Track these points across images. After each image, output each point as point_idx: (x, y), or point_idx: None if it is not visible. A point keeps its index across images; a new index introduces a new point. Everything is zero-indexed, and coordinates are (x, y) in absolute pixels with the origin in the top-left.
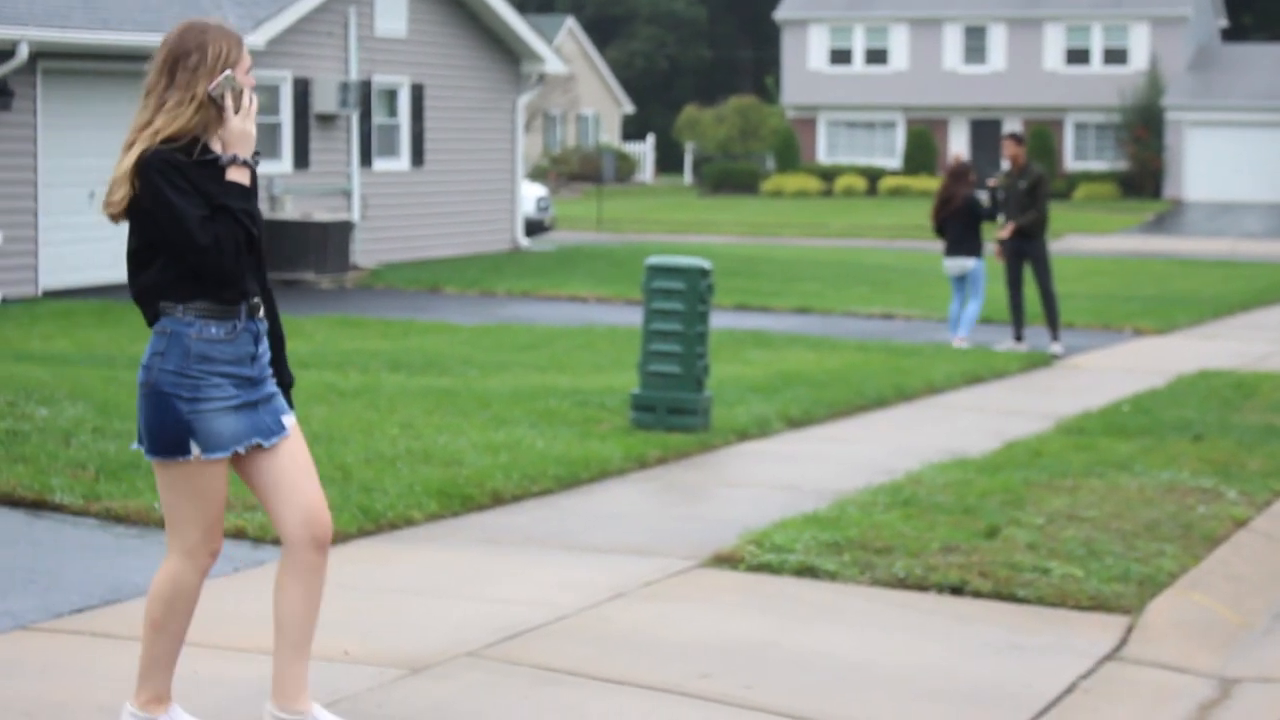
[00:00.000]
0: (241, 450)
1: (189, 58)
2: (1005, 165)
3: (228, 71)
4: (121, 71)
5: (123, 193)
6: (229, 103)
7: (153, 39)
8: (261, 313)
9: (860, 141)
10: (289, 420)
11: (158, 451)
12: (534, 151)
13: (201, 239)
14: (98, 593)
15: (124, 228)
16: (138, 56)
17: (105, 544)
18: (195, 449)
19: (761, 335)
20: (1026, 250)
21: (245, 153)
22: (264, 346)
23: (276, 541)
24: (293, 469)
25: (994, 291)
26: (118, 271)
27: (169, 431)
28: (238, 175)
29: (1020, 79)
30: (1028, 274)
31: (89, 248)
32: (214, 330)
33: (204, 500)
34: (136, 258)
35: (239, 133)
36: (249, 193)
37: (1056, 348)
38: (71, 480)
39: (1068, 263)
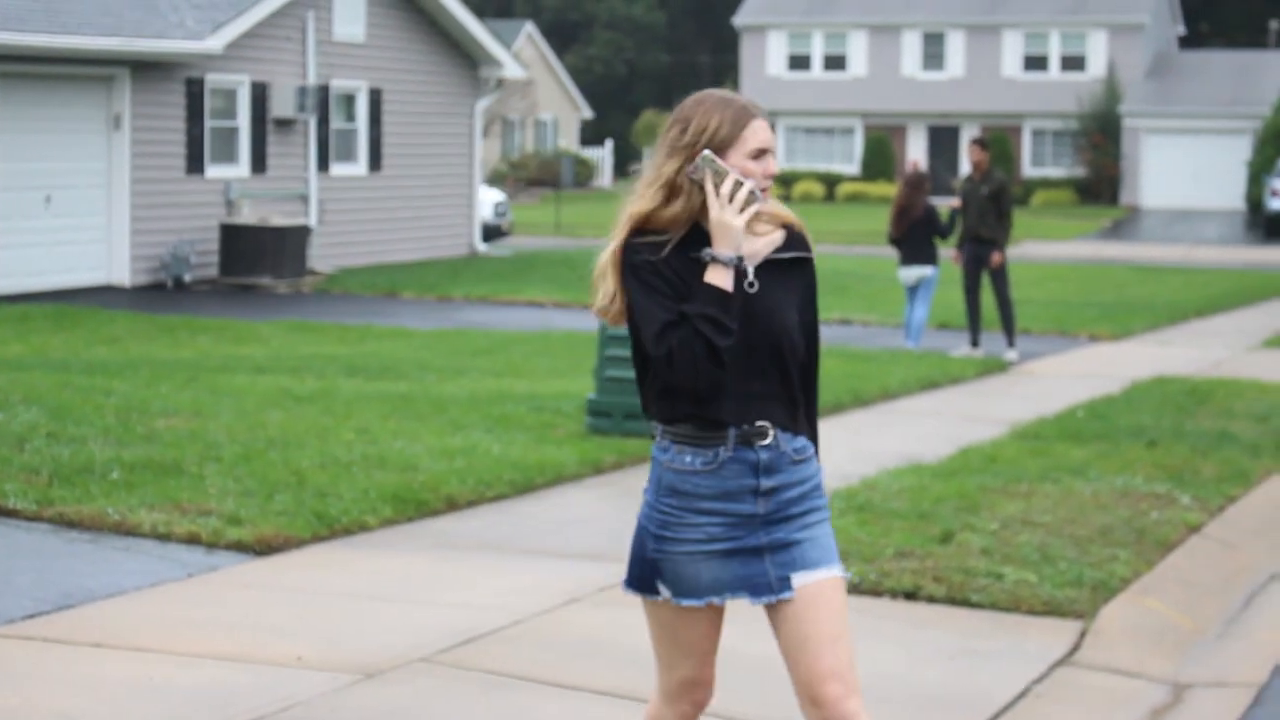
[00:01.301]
0: (719, 602)
1: (671, 130)
2: (966, 170)
3: (706, 151)
4: (80, 75)
5: (603, 289)
6: (709, 188)
7: (111, 43)
8: (772, 439)
9: (819, 147)
10: (805, 580)
11: (629, 582)
12: (492, 156)
13: (655, 349)
14: (50, 598)
15: (80, 229)
16: (96, 60)
17: (58, 549)
18: (664, 590)
19: None
20: (986, 257)
21: (726, 250)
22: (781, 479)
23: (231, 547)
24: (799, 635)
25: (952, 297)
26: (73, 276)
27: (637, 566)
28: (715, 277)
29: (978, 85)
30: (985, 280)
31: (44, 252)
32: (688, 459)
33: (681, 647)
34: (636, 366)
35: (718, 225)
36: (725, 300)
37: (1011, 354)
38: (25, 485)
39: (1025, 269)
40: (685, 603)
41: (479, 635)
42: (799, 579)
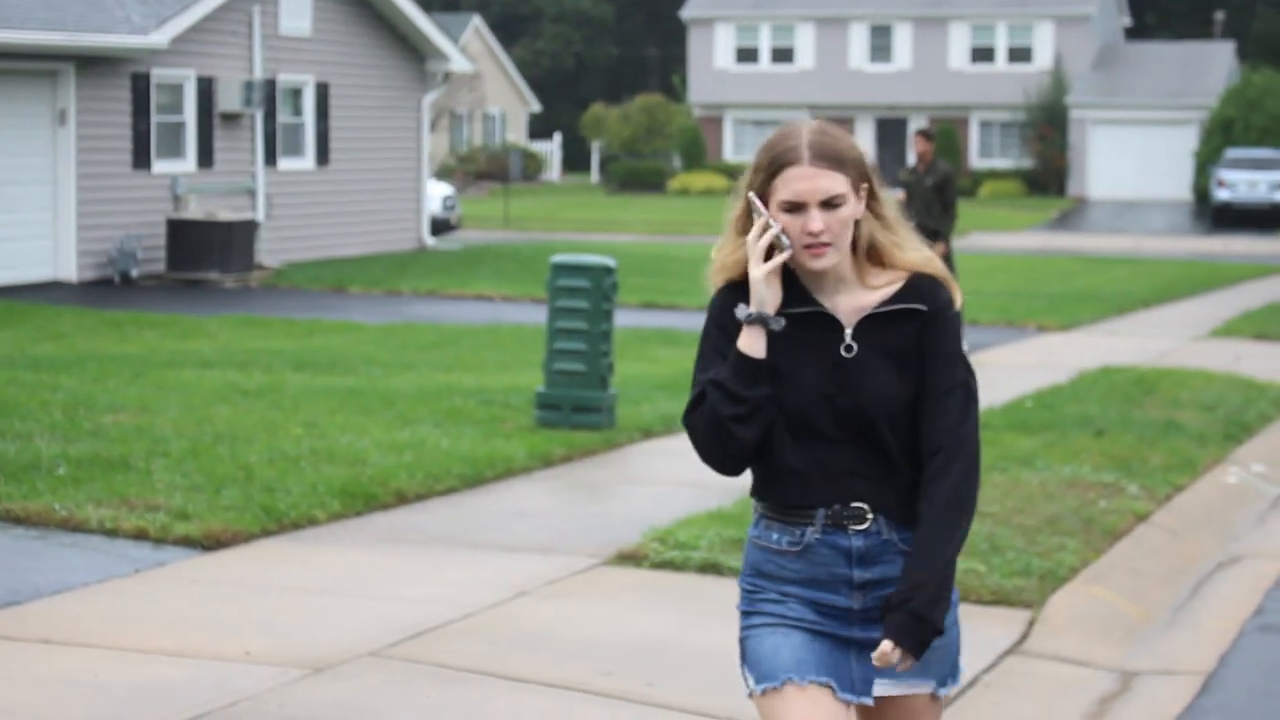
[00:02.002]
0: (801, 683)
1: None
2: (912, 161)
3: (750, 194)
4: (24, 70)
5: None
6: (751, 240)
7: (55, 38)
8: (871, 523)
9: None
10: (888, 690)
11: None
12: (440, 150)
13: (687, 417)
14: None
15: (26, 225)
16: (40, 55)
17: (4, 546)
18: (749, 679)
19: (667, 333)
20: (930, 247)
21: (757, 308)
22: (882, 572)
23: (179, 542)
24: None
25: None
26: (19, 272)
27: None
28: (746, 341)
29: (926, 77)
30: None
31: None
32: (775, 537)
33: None
34: None
35: (751, 281)
36: (741, 364)
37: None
38: None
39: (973, 260)
40: (763, 687)
41: (428, 629)
42: (881, 688)
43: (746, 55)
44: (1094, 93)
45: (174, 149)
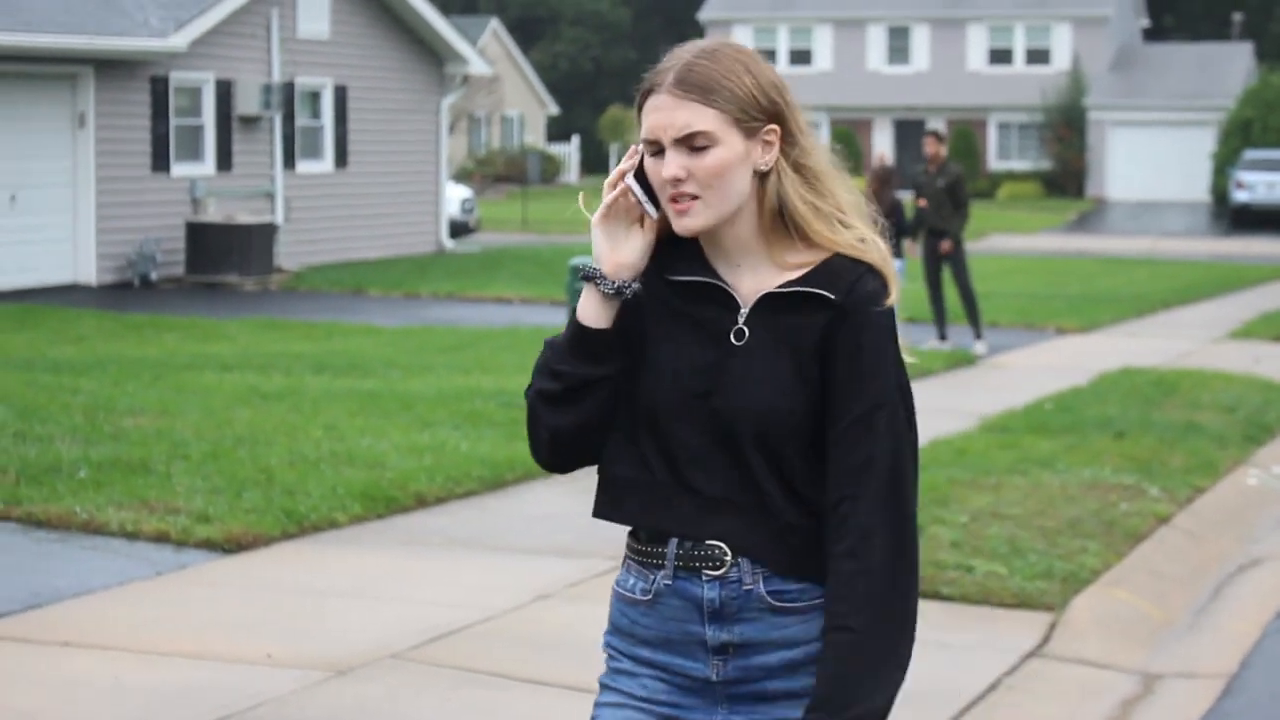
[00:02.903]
0: None
1: None
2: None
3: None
4: (44, 74)
5: None
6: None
7: (75, 41)
8: (728, 569)
9: None
10: None
11: None
12: (459, 153)
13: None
14: (19, 598)
15: (46, 228)
16: (60, 59)
17: (26, 549)
18: None
19: None
20: (946, 252)
21: (596, 264)
22: (746, 633)
23: (200, 545)
24: None
25: (916, 291)
26: (39, 275)
27: None
28: (583, 304)
29: (944, 79)
30: (947, 273)
31: (9, 251)
32: (631, 582)
33: None
34: None
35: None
36: (583, 341)
37: (979, 347)
38: None
39: (991, 262)
40: None
41: (449, 632)
42: None
43: (764, 57)
44: (1112, 94)
45: (193, 152)
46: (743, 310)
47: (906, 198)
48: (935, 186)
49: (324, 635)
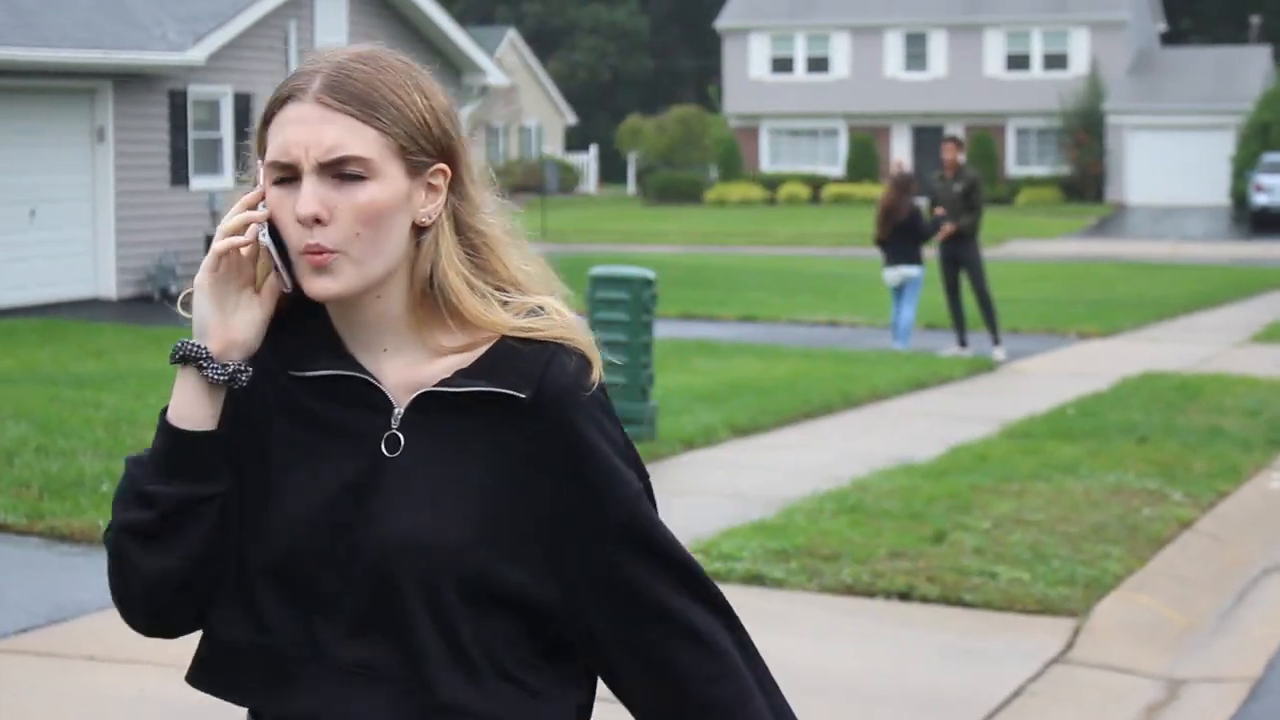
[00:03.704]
0: None
1: None
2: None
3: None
4: (62, 89)
5: None
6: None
7: (93, 56)
8: None
9: (803, 149)
10: None
11: None
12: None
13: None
14: (43, 612)
15: (65, 242)
16: (78, 74)
17: (50, 563)
18: None
19: (707, 344)
20: (960, 255)
21: (197, 339)
22: None
23: None
24: None
25: (936, 298)
26: (59, 289)
27: None
28: (176, 399)
29: (961, 85)
30: (965, 279)
31: (30, 266)
32: None
33: None
34: None
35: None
36: (179, 448)
37: (998, 352)
38: (15, 499)
39: (1011, 268)
40: None
41: None
42: None
43: (782, 65)
44: (1130, 98)
45: (212, 165)
46: (397, 411)
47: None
48: (952, 191)
49: None
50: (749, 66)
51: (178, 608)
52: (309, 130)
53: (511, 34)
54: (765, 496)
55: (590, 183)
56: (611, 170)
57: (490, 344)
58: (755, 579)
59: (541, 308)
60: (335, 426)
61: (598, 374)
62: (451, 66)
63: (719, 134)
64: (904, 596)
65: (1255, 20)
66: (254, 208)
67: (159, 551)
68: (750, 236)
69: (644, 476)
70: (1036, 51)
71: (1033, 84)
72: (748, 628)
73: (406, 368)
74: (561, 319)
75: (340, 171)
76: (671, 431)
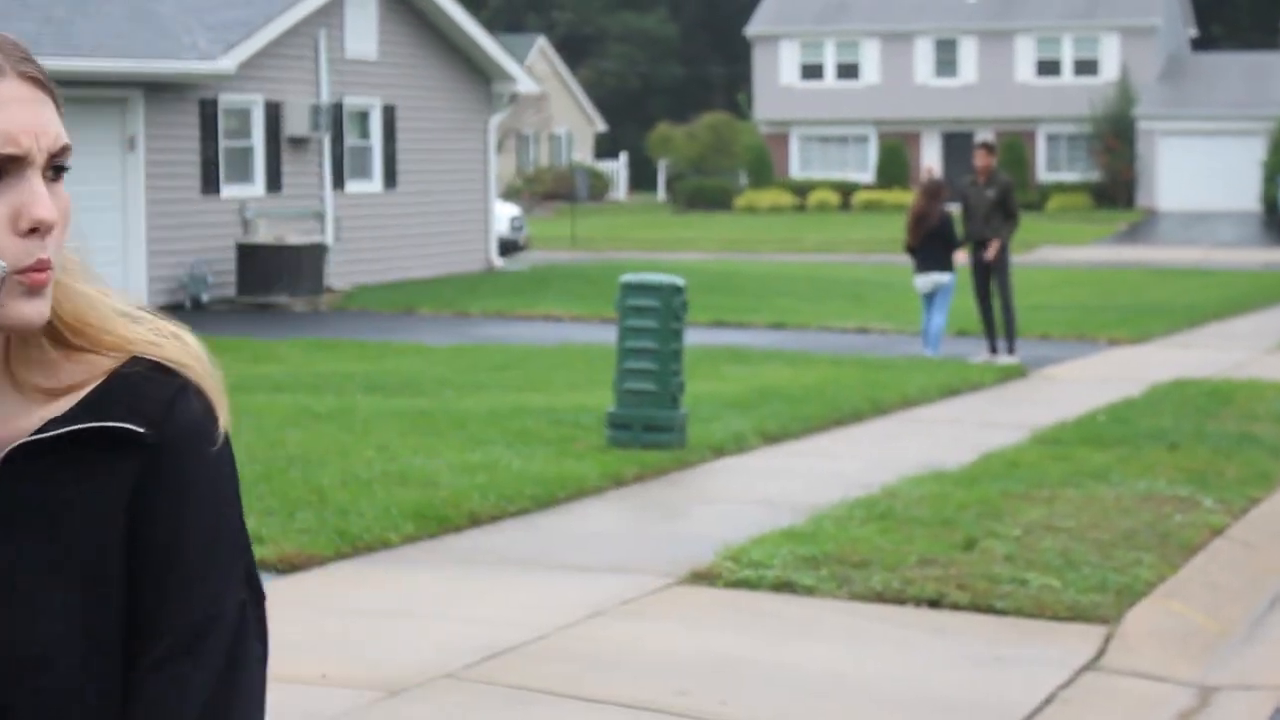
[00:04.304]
0: None
1: None
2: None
3: None
4: (93, 98)
5: None
6: None
7: (124, 65)
8: None
9: (833, 156)
10: None
11: None
12: (507, 171)
13: None
14: None
15: (97, 251)
16: (109, 83)
17: None
18: None
19: (737, 351)
20: (991, 261)
21: None
22: None
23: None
24: None
25: (966, 304)
26: None
27: None
28: None
29: (992, 91)
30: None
31: None
32: None
33: None
34: None
35: None
36: None
37: (1010, 358)
38: None
39: (1042, 274)
40: None
41: (503, 650)
42: None
43: (812, 71)
44: (1161, 104)
45: (242, 173)
46: None
47: (957, 211)
48: (985, 197)
49: (378, 655)
50: (779, 73)
51: None
52: (32, 113)
53: (541, 42)
54: (795, 503)
55: (620, 190)
56: (641, 177)
57: (100, 377)
58: (785, 586)
59: (163, 331)
60: None
61: (225, 423)
62: (481, 74)
63: (749, 141)
64: (934, 604)
65: None
66: None
67: None
68: (780, 243)
69: (251, 610)
70: (1067, 57)
71: (1063, 90)
72: (778, 634)
73: (6, 412)
74: (189, 348)
75: (57, 165)
76: (701, 438)
